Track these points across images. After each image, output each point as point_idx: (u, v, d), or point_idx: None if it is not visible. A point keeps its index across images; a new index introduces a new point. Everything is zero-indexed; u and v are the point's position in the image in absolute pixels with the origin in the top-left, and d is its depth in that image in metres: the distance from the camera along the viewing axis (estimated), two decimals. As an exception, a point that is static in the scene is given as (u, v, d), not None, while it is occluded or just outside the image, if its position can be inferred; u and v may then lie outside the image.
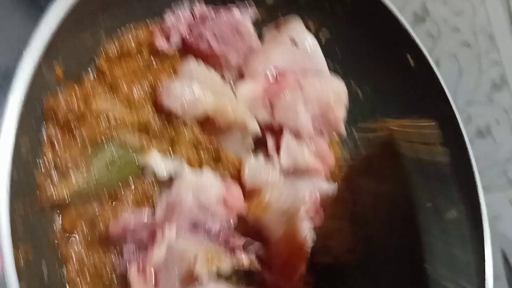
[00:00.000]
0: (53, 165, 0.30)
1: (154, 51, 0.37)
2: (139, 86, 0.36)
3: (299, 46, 0.41)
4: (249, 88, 0.38)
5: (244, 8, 0.40)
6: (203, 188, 0.33)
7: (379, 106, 0.45)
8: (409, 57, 0.44)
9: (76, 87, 0.32)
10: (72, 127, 0.31)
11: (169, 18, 0.37)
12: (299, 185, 0.39)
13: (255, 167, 0.37)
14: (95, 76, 0.35)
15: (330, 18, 0.42)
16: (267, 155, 0.39)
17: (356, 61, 0.44)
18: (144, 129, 0.35)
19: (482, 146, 0.62)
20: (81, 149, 0.32)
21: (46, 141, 0.30)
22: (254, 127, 0.37)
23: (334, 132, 0.40)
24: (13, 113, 0.26)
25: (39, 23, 0.26)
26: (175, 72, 0.37)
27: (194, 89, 0.35)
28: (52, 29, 0.27)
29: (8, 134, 0.26)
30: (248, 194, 0.37)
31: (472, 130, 0.62)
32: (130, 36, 0.36)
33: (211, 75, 0.37)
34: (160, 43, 0.37)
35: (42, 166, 0.30)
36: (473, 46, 0.62)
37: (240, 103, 0.37)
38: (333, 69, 0.44)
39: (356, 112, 0.44)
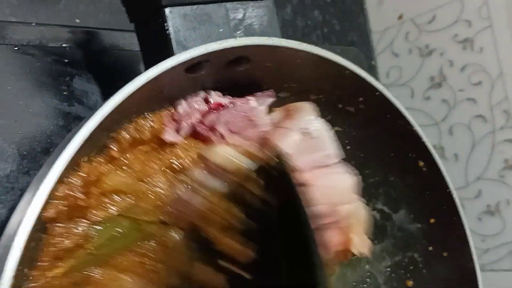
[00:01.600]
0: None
1: (162, 142, 0.35)
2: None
3: (311, 135, 0.40)
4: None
5: (262, 98, 0.38)
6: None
7: (387, 203, 0.44)
8: (421, 163, 0.42)
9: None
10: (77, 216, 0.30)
11: (181, 108, 0.36)
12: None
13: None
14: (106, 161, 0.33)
15: (342, 116, 0.41)
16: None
17: (366, 157, 0.43)
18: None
19: (490, 224, 0.60)
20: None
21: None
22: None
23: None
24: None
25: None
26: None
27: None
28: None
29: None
30: None
31: (481, 206, 0.61)
32: (143, 126, 0.34)
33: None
34: (169, 137, 0.35)
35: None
36: (488, 121, 0.60)
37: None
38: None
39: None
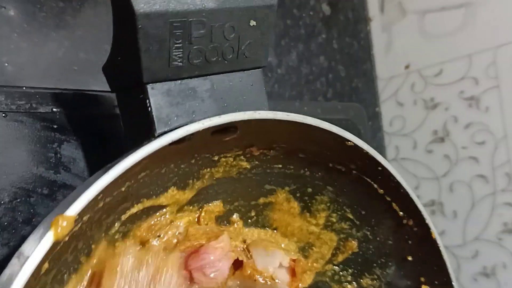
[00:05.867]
0: None
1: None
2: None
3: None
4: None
5: None
6: None
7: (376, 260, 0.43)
8: (411, 222, 0.41)
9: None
10: None
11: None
12: None
13: None
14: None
15: (333, 174, 0.39)
16: None
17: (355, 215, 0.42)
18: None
19: (486, 286, 0.59)
20: None
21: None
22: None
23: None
24: None
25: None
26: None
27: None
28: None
29: None
30: None
31: (478, 267, 0.60)
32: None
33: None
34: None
35: None
36: (489, 182, 0.59)
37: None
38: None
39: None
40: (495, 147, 0.58)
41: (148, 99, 0.29)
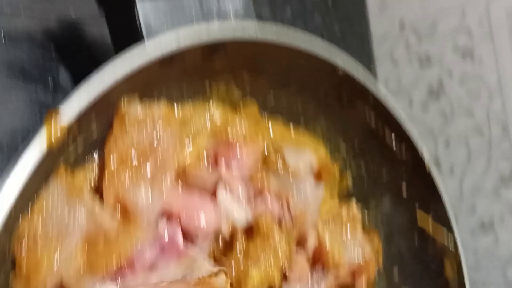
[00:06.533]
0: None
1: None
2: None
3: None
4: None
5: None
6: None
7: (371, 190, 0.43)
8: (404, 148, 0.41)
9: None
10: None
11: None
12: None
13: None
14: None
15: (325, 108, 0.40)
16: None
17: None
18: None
19: (483, 240, 0.59)
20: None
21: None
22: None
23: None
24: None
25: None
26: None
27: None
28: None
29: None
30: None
31: (475, 222, 0.60)
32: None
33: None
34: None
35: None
36: (485, 134, 0.59)
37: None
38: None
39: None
40: (489, 99, 0.58)
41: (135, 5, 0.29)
